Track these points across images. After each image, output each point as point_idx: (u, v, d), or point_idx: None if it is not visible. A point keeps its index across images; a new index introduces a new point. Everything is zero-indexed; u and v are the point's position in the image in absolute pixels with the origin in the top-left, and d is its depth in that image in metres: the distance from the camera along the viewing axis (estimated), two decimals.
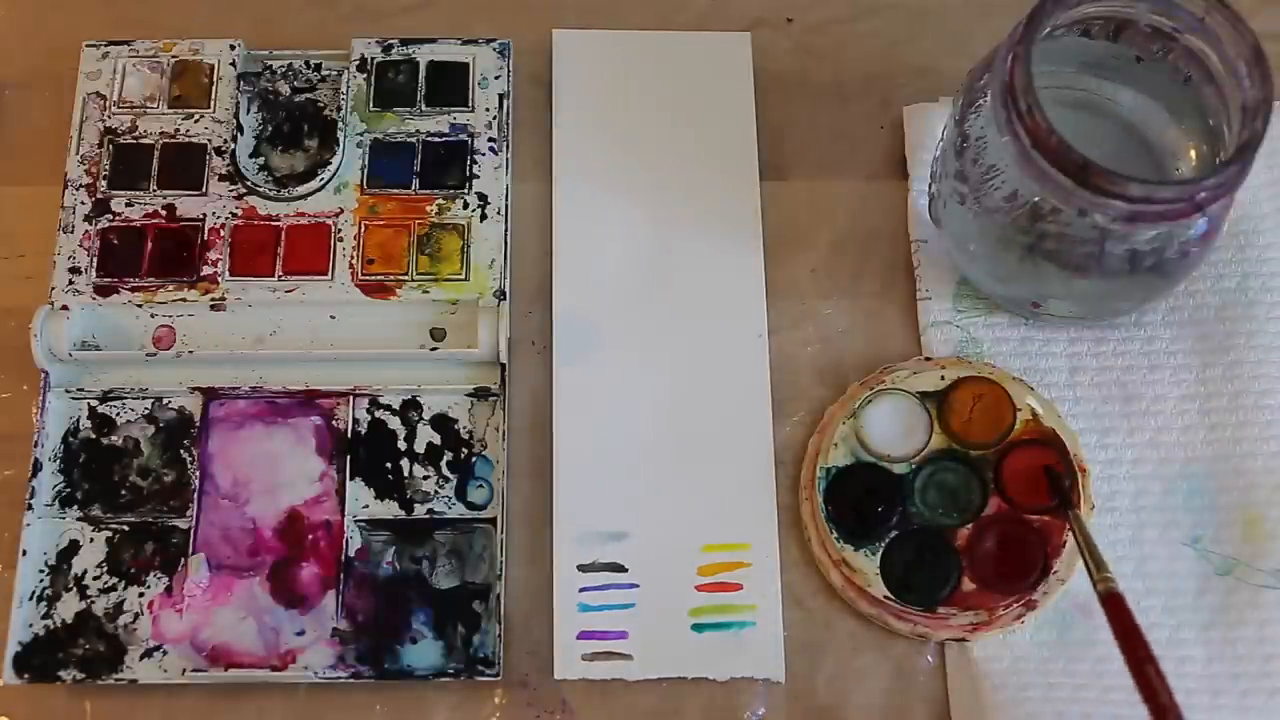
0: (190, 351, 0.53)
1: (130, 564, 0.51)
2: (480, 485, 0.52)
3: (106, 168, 0.55)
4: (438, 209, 0.55)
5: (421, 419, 0.53)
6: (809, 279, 0.56)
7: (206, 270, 0.54)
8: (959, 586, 0.50)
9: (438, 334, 0.53)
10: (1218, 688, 0.50)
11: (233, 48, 0.57)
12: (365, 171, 0.55)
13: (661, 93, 0.58)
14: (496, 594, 0.50)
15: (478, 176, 0.56)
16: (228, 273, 0.54)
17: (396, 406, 0.53)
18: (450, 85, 0.57)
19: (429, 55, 0.57)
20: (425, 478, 0.52)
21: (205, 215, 0.55)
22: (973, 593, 0.50)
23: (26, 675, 0.49)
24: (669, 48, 0.59)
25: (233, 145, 0.55)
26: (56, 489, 0.52)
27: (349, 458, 0.52)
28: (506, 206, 0.55)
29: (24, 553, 0.50)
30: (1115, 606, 0.44)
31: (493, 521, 0.51)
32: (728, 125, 0.57)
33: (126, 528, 0.52)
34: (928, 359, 0.54)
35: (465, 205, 0.55)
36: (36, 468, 0.52)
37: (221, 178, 0.55)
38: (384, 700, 0.51)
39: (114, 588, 0.51)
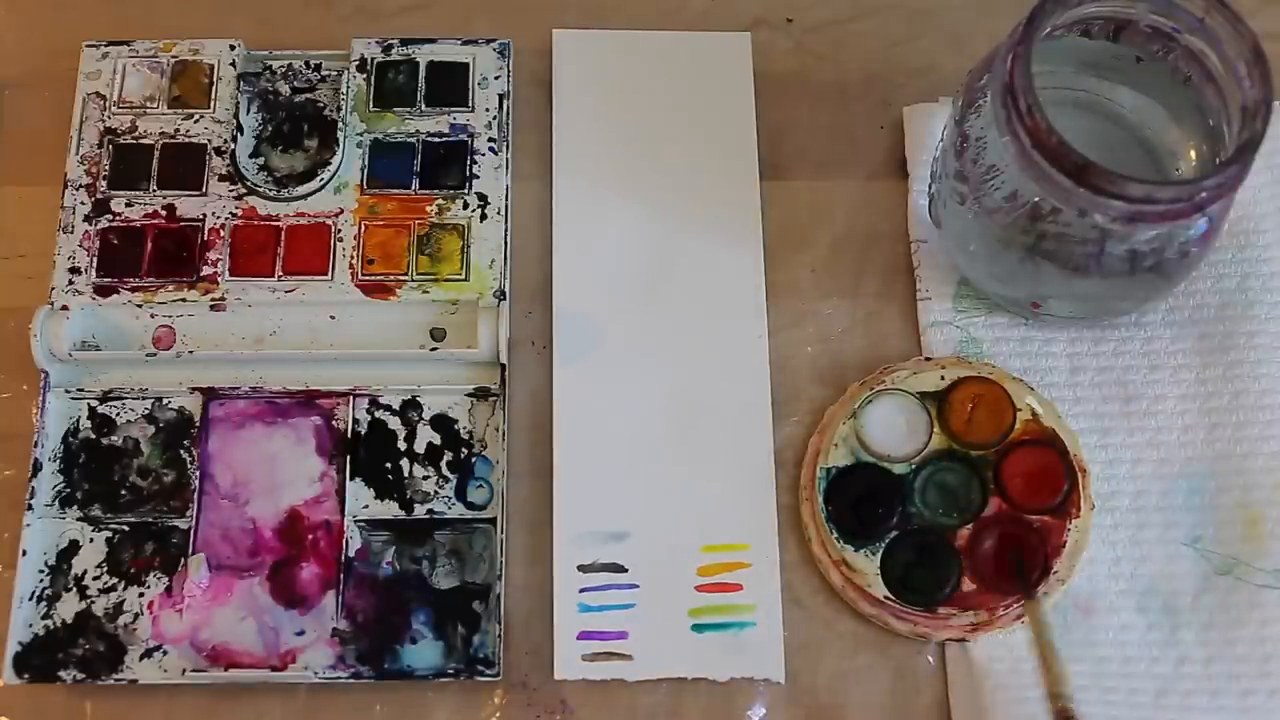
0: (190, 351, 0.53)
1: (130, 564, 0.51)
2: (480, 485, 0.52)
3: (106, 168, 0.55)
4: (438, 209, 0.55)
5: (421, 419, 0.53)
6: (809, 279, 0.56)
7: (206, 270, 0.54)
8: (959, 586, 0.50)
9: (438, 334, 0.53)
10: (1218, 688, 0.50)
11: (233, 48, 0.57)
12: (365, 171, 0.55)
13: (661, 93, 0.58)
14: (496, 594, 0.50)
15: (478, 177, 0.56)
16: (228, 273, 0.54)
17: (396, 406, 0.53)
18: (450, 85, 0.57)
19: (429, 55, 0.57)
20: (425, 478, 0.52)
21: (205, 215, 0.55)
22: (973, 593, 0.50)
23: (26, 675, 0.49)
24: (669, 48, 0.59)
25: (233, 145, 0.55)
26: (56, 489, 0.52)
27: (349, 458, 0.52)
28: (506, 206, 0.55)
29: (24, 553, 0.50)
30: None
31: (493, 521, 0.51)
32: (728, 125, 0.57)
33: (126, 528, 0.52)
34: (928, 359, 0.54)
35: (465, 205, 0.55)
36: (36, 468, 0.52)
37: (221, 178, 0.55)
38: (384, 700, 0.51)
39: (114, 588, 0.51)
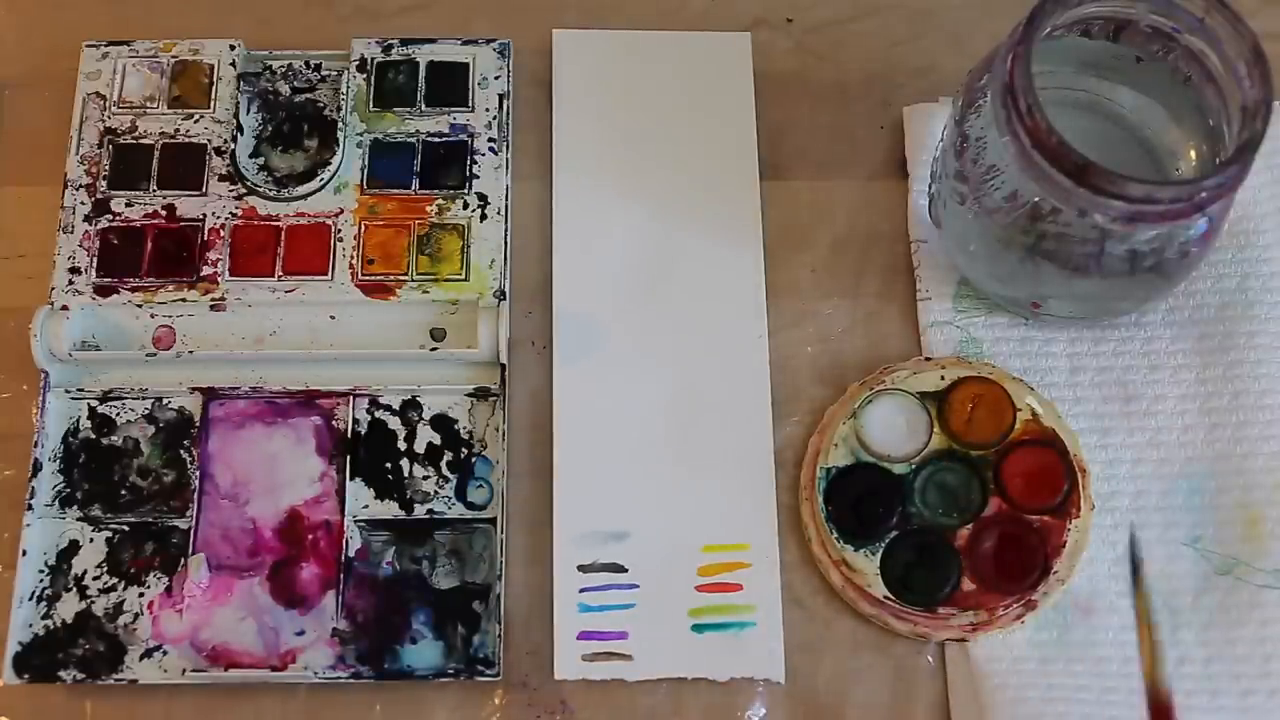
0: (190, 352, 0.53)
1: (130, 564, 0.51)
2: (480, 485, 0.52)
3: (106, 168, 0.55)
4: (438, 209, 0.55)
5: (421, 419, 0.53)
6: (809, 279, 0.56)
7: (206, 270, 0.54)
8: (959, 586, 0.50)
9: (438, 334, 0.53)
10: (1218, 688, 0.50)
11: (233, 48, 0.57)
12: (365, 172, 0.55)
13: (661, 93, 0.58)
14: (496, 594, 0.50)
15: (478, 177, 0.55)
16: (228, 273, 0.54)
17: (396, 407, 0.53)
18: (450, 85, 0.57)
19: (429, 55, 0.57)
20: (425, 478, 0.52)
21: (205, 215, 0.55)
22: (973, 593, 0.50)
23: (26, 675, 0.49)
24: (669, 48, 0.59)
25: (233, 145, 0.55)
26: (56, 489, 0.52)
27: (349, 458, 0.52)
28: (506, 207, 0.55)
29: (24, 553, 0.50)
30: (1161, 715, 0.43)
31: (493, 522, 0.51)
32: (728, 125, 0.57)
33: (126, 528, 0.52)
34: (928, 359, 0.54)
35: (465, 205, 0.55)
36: (36, 468, 0.52)
37: (221, 178, 0.55)
38: (384, 700, 0.51)
39: (114, 588, 0.51)
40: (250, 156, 0.56)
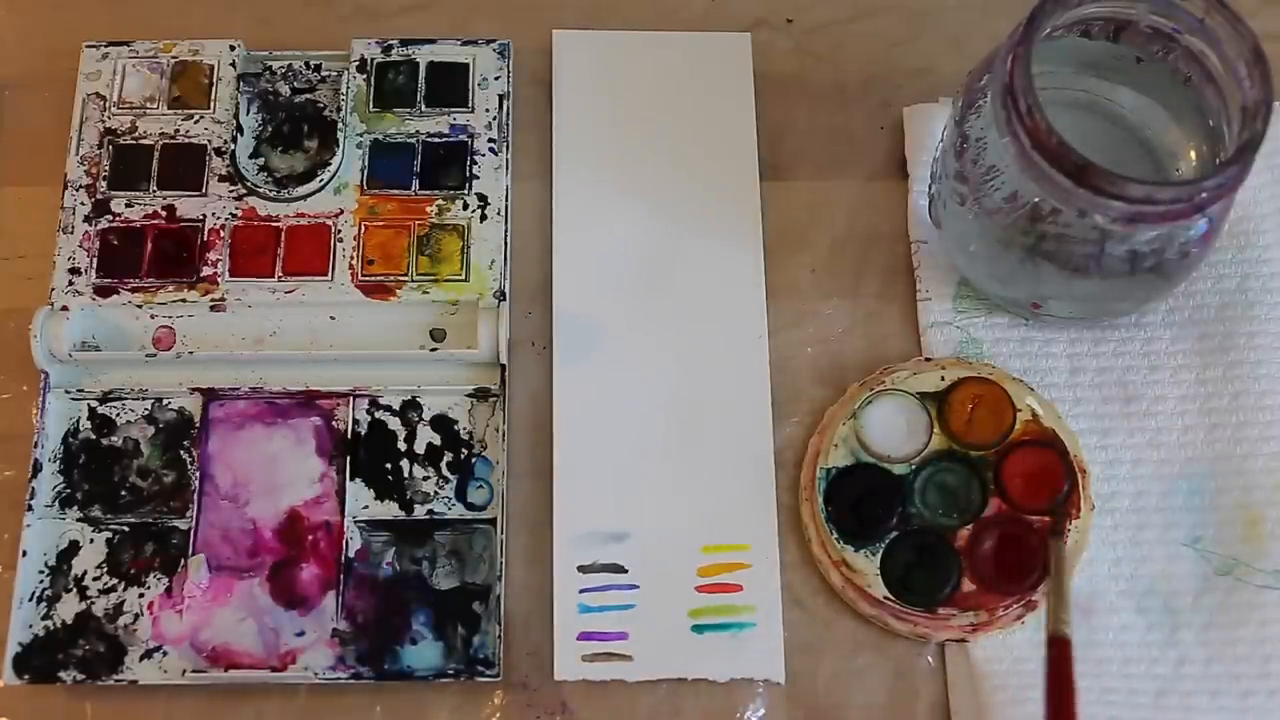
0: (190, 352, 0.53)
1: (130, 565, 0.51)
2: (480, 486, 0.52)
3: (106, 168, 0.55)
4: (438, 209, 0.55)
5: (421, 420, 0.53)
6: (809, 279, 0.56)
7: (206, 271, 0.54)
8: (959, 587, 0.50)
9: (438, 335, 0.53)
10: (1218, 688, 0.50)
11: (232, 48, 0.57)
12: (365, 172, 0.55)
13: (661, 93, 0.58)
14: (496, 595, 0.50)
15: (478, 177, 0.55)
16: (228, 273, 0.54)
17: (396, 407, 0.53)
18: (450, 86, 0.57)
19: (429, 56, 0.57)
20: (425, 478, 0.52)
21: (205, 216, 0.55)
22: (973, 593, 0.50)
23: (26, 676, 0.49)
24: (669, 48, 0.59)
25: (232, 146, 0.55)
26: (56, 490, 0.52)
27: (349, 458, 0.52)
28: (506, 207, 0.55)
29: (24, 553, 0.50)
30: (1060, 651, 0.46)
31: (493, 522, 0.51)
32: (728, 125, 0.57)
33: (126, 528, 0.52)
34: (928, 359, 0.54)
35: (465, 206, 0.55)
36: (36, 468, 0.52)
37: (221, 178, 0.55)
38: (384, 701, 0.51)
39: (114, 588, 0.51)
40: (250, 157, 0.56)
